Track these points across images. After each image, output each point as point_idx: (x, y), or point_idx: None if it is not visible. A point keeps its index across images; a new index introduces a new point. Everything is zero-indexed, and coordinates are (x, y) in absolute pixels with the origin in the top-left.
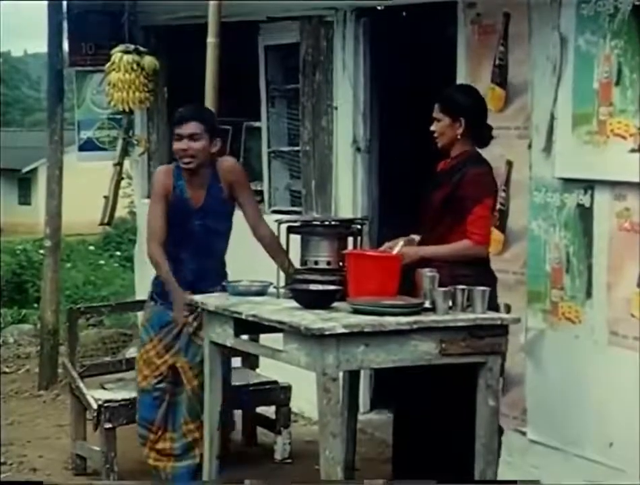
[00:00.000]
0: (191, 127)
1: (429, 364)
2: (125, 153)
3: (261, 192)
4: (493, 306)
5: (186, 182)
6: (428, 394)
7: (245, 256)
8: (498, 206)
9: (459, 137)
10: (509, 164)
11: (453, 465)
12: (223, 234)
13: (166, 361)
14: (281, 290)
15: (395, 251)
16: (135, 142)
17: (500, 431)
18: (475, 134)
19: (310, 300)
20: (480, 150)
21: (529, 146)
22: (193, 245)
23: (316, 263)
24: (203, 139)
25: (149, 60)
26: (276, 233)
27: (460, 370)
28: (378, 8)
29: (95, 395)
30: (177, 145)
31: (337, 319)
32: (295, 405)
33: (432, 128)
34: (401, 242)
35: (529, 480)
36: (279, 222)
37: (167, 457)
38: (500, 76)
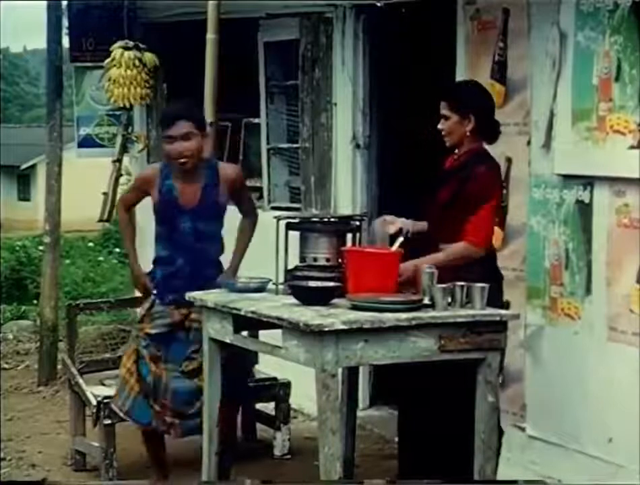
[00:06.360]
0: (182, 127)
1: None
2: (124, 149)
3: (260, 189)
4: (499, 303)
5: (177, 182)
6: (433, 390)
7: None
8: None
9: (468, 134)
10: (508, 160)
11: (460, 462)
12: (216, 235)
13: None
14: (280, 287)
15: (393, 248)
16: (134, 139)
17: (501, 432)
18: (484, 130)
19: (309, 297)
20: None
21: (529, 142)
22: (186, 247)
23: (315, 259)
24: (196, 137)
25: (149, 57)
26: (275, 230)
27: (464, 365)
28: (378, 5)
29: (94, 391)
30: (170, 148)
31: (336, 316)
32: (294, 401)
33: (440, 126)
34: (400, 238)
35: (532, 480)
36: (278, 219)
37: (180, 415)
38: (500, 72)
